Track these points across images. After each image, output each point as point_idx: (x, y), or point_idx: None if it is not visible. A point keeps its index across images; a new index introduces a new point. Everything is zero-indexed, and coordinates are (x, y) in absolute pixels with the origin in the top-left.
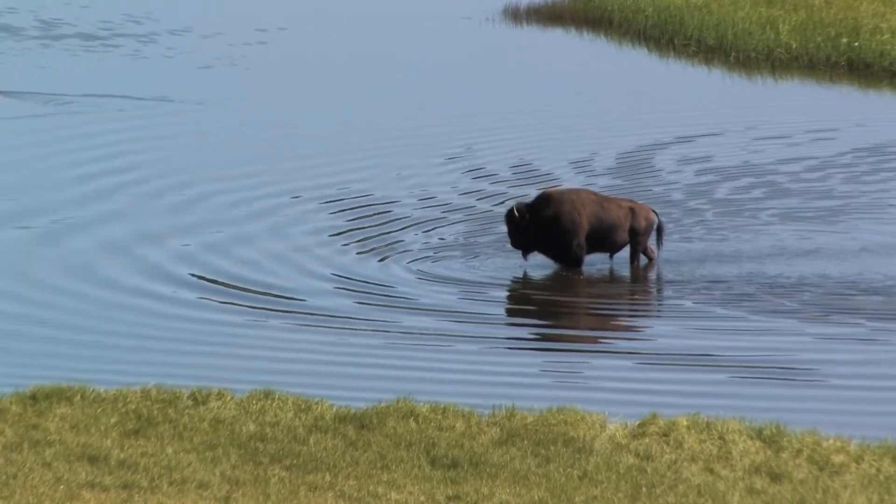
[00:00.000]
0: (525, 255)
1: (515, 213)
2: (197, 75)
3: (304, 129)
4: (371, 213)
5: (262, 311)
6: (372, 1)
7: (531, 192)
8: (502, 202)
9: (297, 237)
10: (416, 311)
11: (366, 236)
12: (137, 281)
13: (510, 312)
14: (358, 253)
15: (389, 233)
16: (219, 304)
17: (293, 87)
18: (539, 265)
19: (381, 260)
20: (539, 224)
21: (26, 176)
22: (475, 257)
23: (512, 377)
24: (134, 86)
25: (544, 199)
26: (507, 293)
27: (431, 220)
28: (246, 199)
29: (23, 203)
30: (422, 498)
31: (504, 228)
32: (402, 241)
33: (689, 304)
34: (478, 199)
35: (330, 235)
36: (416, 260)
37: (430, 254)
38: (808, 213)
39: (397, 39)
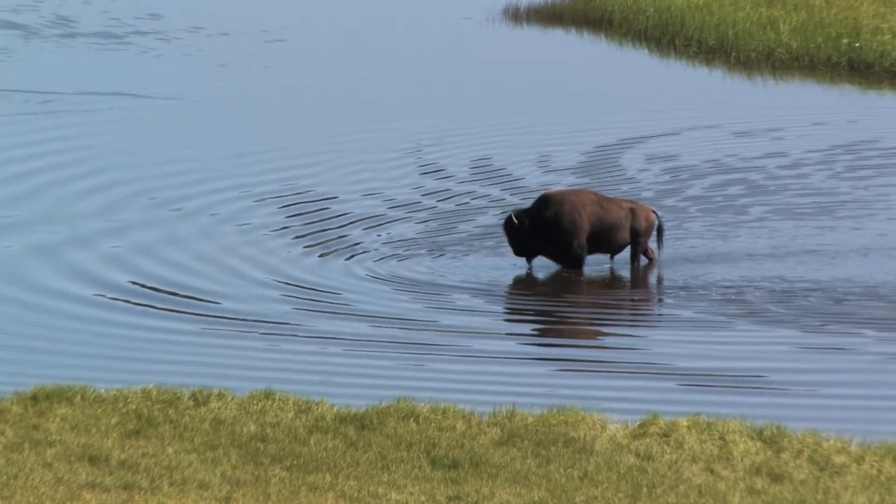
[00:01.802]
0: (529, 261)
1: (514, 220)
2: (183, 71)
3: (282, 127)
4: (357, 218)
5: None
6: (374, 1)
7: (495, 190)
8: (483, 203)
9: (265, 241)
10: (413, 316)
11: (353, 242)
12: (127, 282)
13: (508, 315)
14: (346, 259)
15: (375, 236)
16: (218, 308)
17: (283, 86)
18: (534, 267)
19: (376, 261)
20: (540, 226)
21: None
22: (465, 257)
23: (513, 377)
24: (114, 82)
25: (544, 201)
26: (503, 295)
27: (425, 220)
28: (244, 208)
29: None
30: (422, 498)
31: (502, 237)
32: (389, 243)
33: (687, 309)
34: (472, 199)
35: (320, 243)
36: (404, 260)
37: (425, 253)
38: (804, 212)
39: (396, 39)
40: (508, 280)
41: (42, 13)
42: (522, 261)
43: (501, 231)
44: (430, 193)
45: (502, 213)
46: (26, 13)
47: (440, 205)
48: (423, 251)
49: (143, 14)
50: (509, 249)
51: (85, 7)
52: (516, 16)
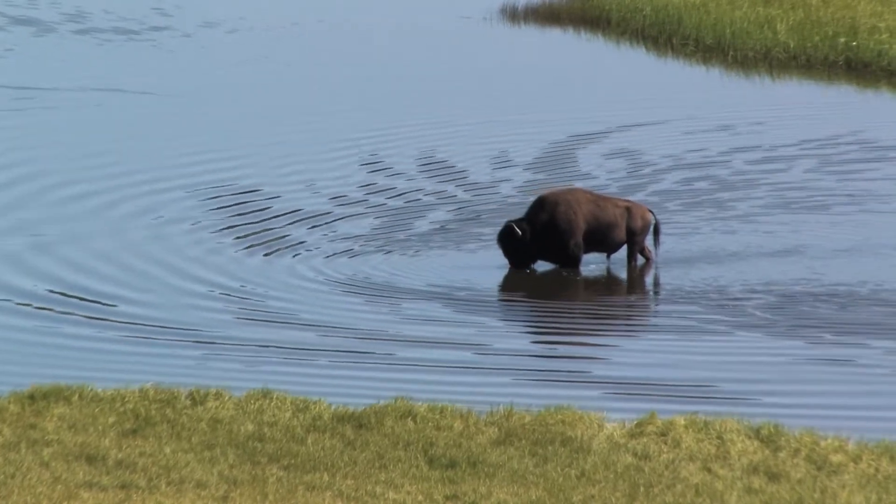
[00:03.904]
0: (529, 268)
1: (517, 230)
2: (177, 67)
3: (249, 122)
4: (336, 218)
5: (251, 306)
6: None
7: (478, 188)
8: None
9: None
10: (409, 317)
11: (322, 243)
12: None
13: (499, 322)
14: (330, 255)
15: (367, 236)
16: (218, 306)
17: (267, 82)
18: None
19: (351, 258)
20: (537, 230)
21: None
22: (443, 256)
23: (510, 377)
24: (109, 79)
25: (539, 204)
26: (497, 294)
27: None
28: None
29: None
30: (420, 497)
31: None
32: (382, 241)
33: (685, 313)
34: (455, 196)
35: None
36: (387, 257)
37: (423, 251)
38: (802, 210)
39: (392, 37)
40: (490, 284)
41: (47, 9)
42: (499, 261)
43: (497, 245)
44: (404, 191)
45: (455, 203)
46: (31, 9)
47: (410, 204)
48: (402, 251)
49: (145, 11)
50: (507, 263)
51: (87, 4)
52: (514, 15)
